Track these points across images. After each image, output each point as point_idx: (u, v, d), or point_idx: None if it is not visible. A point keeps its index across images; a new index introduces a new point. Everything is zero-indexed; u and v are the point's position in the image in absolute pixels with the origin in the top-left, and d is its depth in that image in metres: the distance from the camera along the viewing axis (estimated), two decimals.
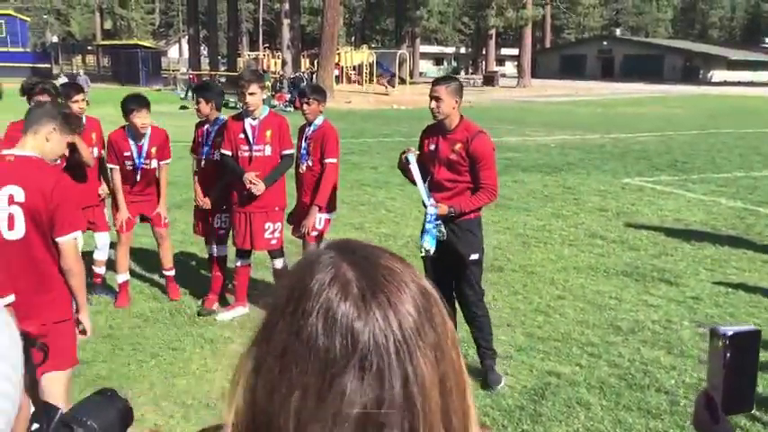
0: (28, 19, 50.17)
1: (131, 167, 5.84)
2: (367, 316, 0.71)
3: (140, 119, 5.68)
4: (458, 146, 4.36)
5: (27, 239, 3.08)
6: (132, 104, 5.69)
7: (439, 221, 4.38)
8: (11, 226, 3.04)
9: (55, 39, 55.76)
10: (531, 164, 14.03)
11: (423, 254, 4.42)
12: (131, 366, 4.81)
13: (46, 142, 3.20)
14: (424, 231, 4.40)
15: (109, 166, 5.88)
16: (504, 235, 8.32)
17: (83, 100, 5.72)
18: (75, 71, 31.88)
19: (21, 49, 46.18)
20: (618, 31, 76.86)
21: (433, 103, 4.36)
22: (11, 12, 48.78)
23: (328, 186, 5.53)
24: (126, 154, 5.80)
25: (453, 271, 4.50)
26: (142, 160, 5.83)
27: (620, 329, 5.43)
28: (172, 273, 6.18)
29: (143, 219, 6.12)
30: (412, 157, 4.46)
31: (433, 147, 4.51)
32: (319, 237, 5.60)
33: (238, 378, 0.76)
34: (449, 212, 4.36)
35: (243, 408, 0.75)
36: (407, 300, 0.73)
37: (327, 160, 5.51)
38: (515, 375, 4.64)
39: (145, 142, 5.82)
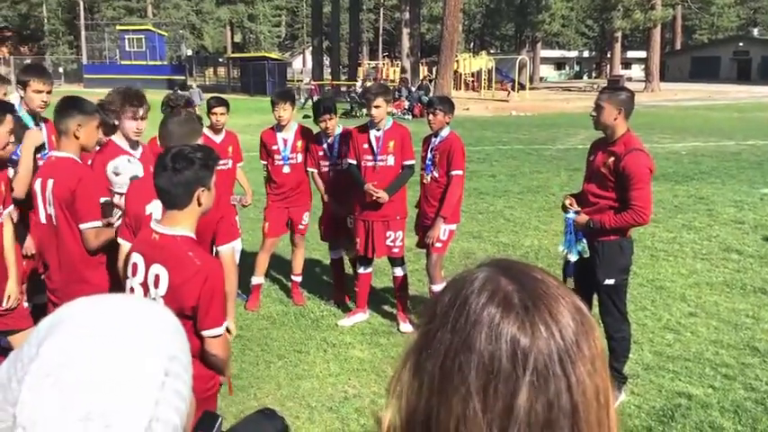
0: (165, 34, 53.21)
1: (280, 161, 6.10)
2: (531, 326, 0.74)
3: (277, 111, 6.02)
4: (611, 159, 4.21)
5: None
6: (275, 97, 6.16)
7: (580, 235, 4.27)
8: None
9: (189, 52, 58.91)
10: (661, 172, 13.31)
11: (564, 258, 4.34)
12: (260, 366, 5.05)
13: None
14: (566, 239, 4.34)
15: (262, 162, 6.25)
16: None
17: (222, 114, 6.05)
18: (191, 84, 33.35)
19: (159, 62, 49.21)
20: (755, 32, 71.74)
21: (594, 111, 4.30)
22: (150, 27, 52.02)
23: (454, 198, 5.55)
24: (274, 147, 6.10)
25: (591, 290, 4.34)
26: (288, 153, 6.08)
27: (758, 351, 5.11)
28: (299, 279, 6.41)
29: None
30: (571, 212, 4.38)
31: (592, 157, 4.44)
32: (443, 248, 5.64)
33: (394, 386, 0.81)
34: (587, 224, 4.24)
35: (398, 414, 0.79)
36: (566, 312, 0.76)
37: (454, 172, 5.52)
38: (643, 395, 4.47)
39: (290, 136, 6.10)
